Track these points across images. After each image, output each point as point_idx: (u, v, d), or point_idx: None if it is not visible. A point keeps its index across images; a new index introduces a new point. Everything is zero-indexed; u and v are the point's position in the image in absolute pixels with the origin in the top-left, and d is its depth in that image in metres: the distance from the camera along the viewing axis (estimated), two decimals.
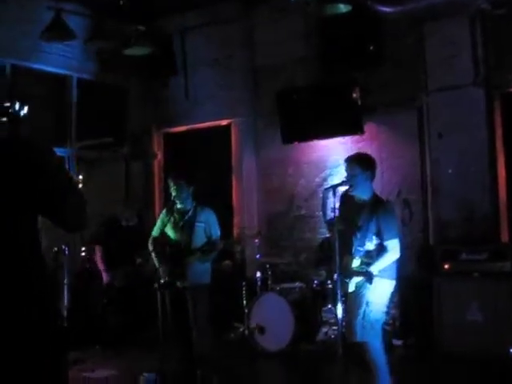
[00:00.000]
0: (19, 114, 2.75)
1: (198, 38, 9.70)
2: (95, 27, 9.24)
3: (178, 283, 6.77)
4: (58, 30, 8.08)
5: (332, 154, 8.58)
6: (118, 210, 8.63)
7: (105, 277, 8.24)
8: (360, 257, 5.72)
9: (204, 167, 9.40)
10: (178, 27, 9.61)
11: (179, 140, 10.16)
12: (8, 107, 2.74)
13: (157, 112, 10.18)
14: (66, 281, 7.38)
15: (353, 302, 5.72)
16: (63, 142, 9.01)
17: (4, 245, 2.50)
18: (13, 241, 2.52)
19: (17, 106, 2.76)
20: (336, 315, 5.84)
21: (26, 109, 2.78)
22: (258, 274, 7.96)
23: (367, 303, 5.64)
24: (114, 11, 8.75)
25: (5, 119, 2.71)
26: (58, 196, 2.63)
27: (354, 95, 8.33)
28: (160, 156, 10.29)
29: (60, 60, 8.90)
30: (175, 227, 6.93)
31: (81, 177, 3.38)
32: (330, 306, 7.54)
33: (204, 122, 9.74)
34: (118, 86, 9.96)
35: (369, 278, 5.61)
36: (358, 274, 5.72)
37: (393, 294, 5.87)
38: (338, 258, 5.62)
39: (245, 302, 7.90)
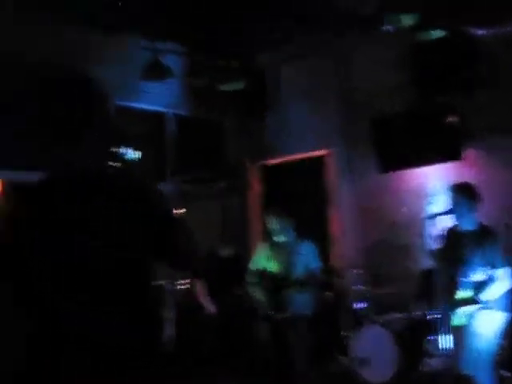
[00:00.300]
0: (129, 159, 2.82)
1: (291, 69, 9.77)
2: (190, 64, 9.45)
3: (279, 315, 6.79)
4: (156, 70, 8.29)
5: (431, 182, 8.46)
6: (215, 244, 8.73)
7: (208, 310, 8.30)
8: (466, 287, 5.62)
9: (301, 198, 9.41)
10: (271, 60, 9.70)
11: (275, 172, 10.20)
12: (118, 152, 2.81)
13: (252, 145, 10.27)
14: (170, 315, 7.46)
15: (461, 333, 5.60)
16: (161, 177, 9.17)
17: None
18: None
19: (126, 151, 2.83)
20: (441, 346, 5.74)
21: (132, 152, 2.85)
22: (360, 305, 7.89)
23: (477, 335, 5.52)
24: (207, 48, 8.94)
25: (115, 164, 2.78)
26: (169, 234, 2.67)
27: (451, 121, 8.22)
28: (257, 189, 10.36)
29: (157, 97, 9.10)
30: (275, 260, 6.97)
31: (183, 210, 3.42)
32: (434, 337, 7.38)
33: (299, 154, 9.77)
34: (214, 120, 10.12)
35: (476, 306, 5.50)
36: (463, 303, 5.62)
37: (504, 326, 5.71)
38: (442, 288, 5.55)
39: (347, 333, 7.83)
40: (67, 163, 2.65)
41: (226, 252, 8.66)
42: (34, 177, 2.73)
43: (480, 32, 7.92)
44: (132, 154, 2.85)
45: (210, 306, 8.30)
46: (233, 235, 9.58)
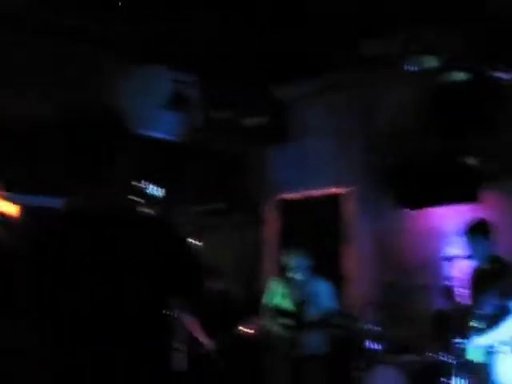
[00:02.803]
0: (153, 195, 2.83)
1: (312, 105, 9.80)
2: (210, 96, 9.47)
3: (295, 354, 6.73)
4: (177, 101, 8.33)
5: (448, 223, 8.42)
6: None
7: (206, 343, 8.10)
8: (480, 321, 5.63)
9: (317, 235, 9.36)
10: (293, 94, 9.73)
11: (292, 207, 10.17)
12: (142, 188, 2.81)
13: (270, 179, 10.27)
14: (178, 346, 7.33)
15: (480, 380, 5.56)
16: (179, 209, 9.13)
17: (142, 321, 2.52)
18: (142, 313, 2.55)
19: (150, 187, 2.83)
20: None
21: (159, 190, 2.85)
22: (372, 345, 7.80)
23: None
24: (227, 81, 8.97)
25: (138, 199, 2.78)
26: (185, 274, 2.67)
27: (470, 162, 8.20)
28: (274, 223, 10.32)
29: (174, 127, 9.11)
30: (290, 297, 6.92)
31: (199, 243, 3.42)
32: (446, 380, 7.27)
33: (317, 190, 9.75)
34: (232, 152, 10.13)
35: (492, 340, 5.49)
36: (476, 333, 5.62)
37: None
38: (456, 325, 5.55)
39: (359, 373, 7.74)
40: (87, 197, 2.62)
41: (219, 287, 8.42)
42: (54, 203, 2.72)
43: (504, 76, 7.92)
44: (155, 189, 2.86)
45: (207, 342, 8.07)
46: (244, 270, 9.55)
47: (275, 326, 6.92)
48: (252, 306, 7.80)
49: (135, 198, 2.79)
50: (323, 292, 6.92)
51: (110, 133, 2.63)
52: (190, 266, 2.69)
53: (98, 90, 7.50)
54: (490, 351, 5.59)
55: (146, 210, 2.81)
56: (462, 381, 5.67)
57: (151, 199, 2.83)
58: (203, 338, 8.10)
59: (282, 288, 7.02)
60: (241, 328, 8.03)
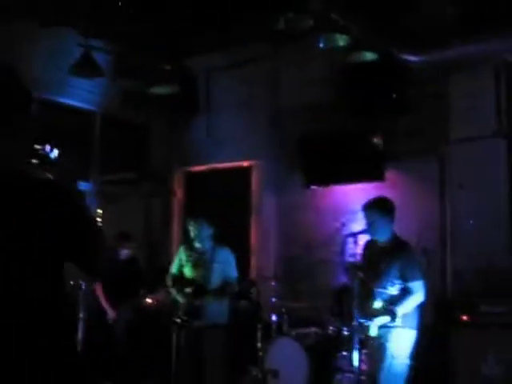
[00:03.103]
0: (50, 157, 2.77)
1: (222, 78, 9.81)
2: (121, 64, 9.35)
3: (195, 322, 6.76)
4: (86, 67, 8.16)
5: (353, 200, 8.56)
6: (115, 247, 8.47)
7: (110, 313, 8.10)
8: (382, 299, 5.74)
9: (223, 207, 9.39)
10: (204, 67, 9.70)
11: (200, 179, 10.18)
12: (39, 149, 2.76)
13: (178, 150, 10.23)
14: (82, 316, 7.28)
15: (375, 353, 5.69)
16: (85, 176, 9.04)
17: (29, 287, 2.48)
18: (39, 283, 2.50)
19: (48, 149, 2.78)
20: (354, 363, 5.81)
21: (56, 152, 2.80)
22: (274, 317, 7.89)
23: (391, 356, 5.62)
24: (140, 49, 8.88)
25: (36, 161, 2.73)
26: (84, 241, 2.63)
27: (376, 142, 8.36)
28: (180, 194, 10.31)
29: (85, 95, 8.99)
30: (193, 266, 6.95)
31: (100, 211, 3.40)
32: (345, 353, 7.43)
33: (225, 163, 9.77)
34: (141, 123, 10.05)
35: (392, 317, 5.60)
36: (379, 313, 5.72)
37: (414, 345, 5.84)
38: (357, 302, 5.64)
39: (259, 344, 7.83)
40: None
41: (124, 254, 8.42)
42: None
43: (410, 58, 8.08)
44: (54, 153, 2.80)
45: (109, 311, 8.08)
46: (154, 238, 9.54)
47: (177, 295, 6.93)
48: (159, 274, 7.82)
49: (33, 161, 2.73)
50: (225, 261, 6.96)
51: (6, 94, 2.58)
52: (88, 232, 2.67)
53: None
54: (386, 326, 5.73)
55: (44, 174, 2.76)
56: (360, 355, 5.79)
57: (50, 163, 2.77)
58: (106, 307, 8.08)
59: (186, 257, 7.04)
60: (145, 297, 8.06)
